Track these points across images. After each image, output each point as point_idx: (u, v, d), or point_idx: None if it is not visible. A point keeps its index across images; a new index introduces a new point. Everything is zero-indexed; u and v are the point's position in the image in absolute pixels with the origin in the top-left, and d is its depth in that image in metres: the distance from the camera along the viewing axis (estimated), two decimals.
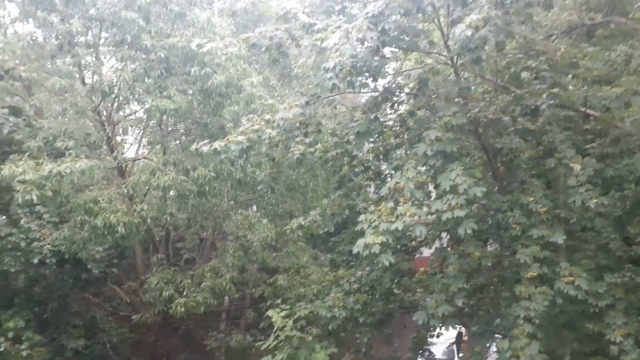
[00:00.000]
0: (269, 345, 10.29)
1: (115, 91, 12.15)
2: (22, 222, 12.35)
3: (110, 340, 16.61)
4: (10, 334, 12.51)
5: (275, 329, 10.14)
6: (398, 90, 10.57)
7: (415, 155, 8.49)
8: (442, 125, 8.43)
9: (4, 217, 12.40)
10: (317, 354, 9.86)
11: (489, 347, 13.92)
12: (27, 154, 11.90)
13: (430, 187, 9.90)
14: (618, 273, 9.00)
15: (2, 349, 12.31)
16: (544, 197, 9.07)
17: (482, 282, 10.17)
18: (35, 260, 12.54)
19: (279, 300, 11.15)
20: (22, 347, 12.51)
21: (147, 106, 12.30)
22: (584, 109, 10.37)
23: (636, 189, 10.01)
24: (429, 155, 8.28)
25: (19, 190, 10.85)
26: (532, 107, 9.76)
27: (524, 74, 10.45)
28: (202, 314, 14.13)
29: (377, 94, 10.32)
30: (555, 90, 9.86)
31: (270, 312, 10.32)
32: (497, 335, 10.54)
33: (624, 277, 9.00)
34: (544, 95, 9.87)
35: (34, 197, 10.85)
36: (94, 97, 12.70)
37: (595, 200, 8.26)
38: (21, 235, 12.34)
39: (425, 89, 10.12)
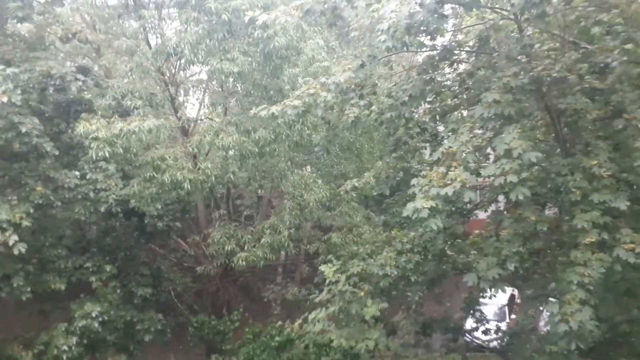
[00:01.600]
0: (323, 298, 10.71)
1: (179, 52, 12.53)
2: (88, 175, 13.25)
3: (175, 289, 17.82)
4: (103, 277, 13.88)
5: (327, 282, 10.50)
6: (457, 49, 10.25)
7: (472, 118, 8.32)
8: (501, 86, 8.17)
9: (76, 172, 13.36)
10: (368, 308, 10.13)
11: (542, 311, 13.83)
12: (98, 113, 12.67)
13: (489, 150, 9.73)
14: None
15: (95, 287, 13.69)
16: (608, 160, 8.69)
17: (538, 246, 10.01)
18: (102, 209, 13.43)
19: (332, 257, 11.48)
20: (108, 290, 13.81)
21: (210, 68, 12.60)
22: None
23: None
24: (485, 118, 8.10)
25: (92, 147, 11.67)
26: (602, 64, 9.21)
27: (595, 29, 9.82)
28: (260, 267, 14.83)
29: (435, 53, 10.06)
30: (628, 46, 9.22)
31: (323, 267, 10.65)
32: (551, 300, 10.43)
33: None
34: (616, 52, 9.25)
35: (107, 154, 11.67)
36: (158, 58, 13.17)
37: None
38: (90, 187, 13.26)
39: (486, 47, 9.77)
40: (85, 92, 13.85)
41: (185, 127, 14.49)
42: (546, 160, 8.89)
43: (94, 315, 13.07)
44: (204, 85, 16.10)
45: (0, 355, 13.18)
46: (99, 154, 11.69)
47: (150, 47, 13.44)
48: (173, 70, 14.35)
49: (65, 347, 12.69)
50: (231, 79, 13.05)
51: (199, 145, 12.94)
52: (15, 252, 11.28)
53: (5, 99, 10.85)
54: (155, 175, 12.70)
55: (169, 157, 12.76)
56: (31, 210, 11.90)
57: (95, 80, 14.58)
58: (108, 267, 14.05)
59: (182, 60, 13.06)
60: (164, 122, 12.63)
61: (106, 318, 13.42)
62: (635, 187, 9.12)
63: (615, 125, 8.91)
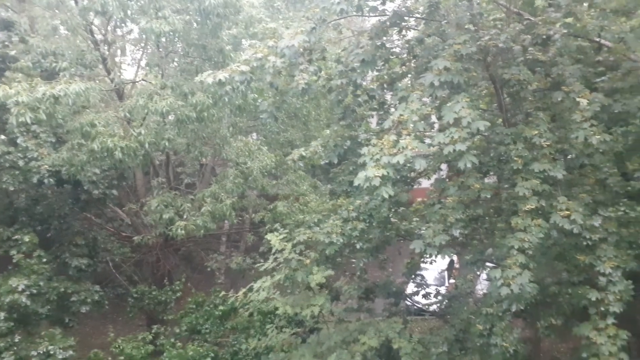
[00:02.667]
0: (268, 266, 10.62)
1: (108, 10, 11.61)
2: (19, 141, 12.26)
3: (113, 260, 17.15)
4: (24, 248, 12.93)
5: (273, 251, 10.40)
6: (407, 15, 10.13)
7: (422, 85, 8.29)
8: (452, 54, 8.16)
9: (2, 137, 12.29)
10: (314, 276, 10.17)
11: (479, 275, 14.47)
12: (19, 72, 11.59)
13: (434, 119, 9.81)
14: (613, 207, 9.15)
15: (15, 260, 12.81)
16: (548, 130, 9.01)
17: (478, 213, 10.35)
18: (34, 180, 12.63)
19: (278, 225, 11.37)
20: (32, 261, 12.93)
21: (141, 27, 11.80)
22: (597, 40, 10.03)
23: None
24: (435, 86, 8.09)
25: (13, 113, 10.70)
26: (544, 36, 9.42)
27: (539, 1, 9.98)
28: (202, 236, 14.48)
29: (385, 18, 9.89)
30: (569, 19, 9.48)
31: (269, 235, 10.52)
32: (488, 264, 10.88)
33: (618, 211, 9.16)
34: (558, 25, 9.50)
35: (28, 120, 10.72)
36: (86, 16, 12.16)
37: (598, 137, 8.22)
38: (19, 154, 12.33)
39: (435, 14, 9.71)
40: (10, 49, 12.61)
41: (120, 90, 13.62)
42: (489, 129, 9.08)
43: (20, 289, 12.28)
44: (142, 44, 15.16)
45: None
46: (20, 120, 10.73)
47: (77, 3, 12.36)
48: (105, 29, 13.35)
49: None
50: (164, 39, 12.30)
51: (133, 109, 12.21)
52: None
53: None
54: (84, 142, 11.92)
55: (99, 123, 11.99)
56: None
57: (21, 36, 13.31)
58: (27, 237, 13.11)
59: (114, 18, 12.14)
60: (94, 85, 11.78)
61: (35, 291, 12.66)
62: (570, 156, 9.53)
63: (554, 97, 9.20)
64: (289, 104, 13.33)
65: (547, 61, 9.54)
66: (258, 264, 11.59)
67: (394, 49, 10.44)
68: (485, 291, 13.33)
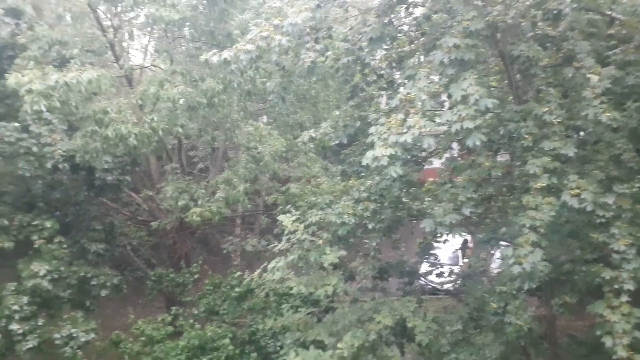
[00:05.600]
0: (282, 247, 10.72)
1: None
2: (31, 128, 12.46)
3: (130, 244, 17.48)
4: (45, 233, 13.23)
5: (286, 232, 10.49)
6: None
7: (430, 63, 8.19)
8: (461, 30, 8.02)
9: (17, 124, 12.48)
10: (327, 256, 10.22)
11: (493, 254, 14.45)
12: (28, 61, 11.69)
13: (444, 97, 9.70)
14: (627, 184, 9.01)
15: (37, 246, 13.12)
16: (559, 107, 8.86)
17: (490, 191, 10.29)
18: (49, 165, 12.82)
19: (290, 207, 11.44)
20: (53, 247, 13.25)
21: (148, 13, 11.80)
22: (609, 13, 9.76)
23: None
24: (445, 64, 7.97)
25: (27, 101, 10.84)
26: (555, 11, 9.18)
27: None
28: (218, 220, 14.65)
29: None
30: None
31: (281, 217, 10.59)
32: (502, 243, 10.85)
33: (633, 188, 9.01)
34: None
35: (42, 107, 10.84)
36: (93, 3, 12.19)
37: (608, 115, 8.06)
38: (32, 140, 12.49)
39: None
40: (19, 36, 12.72)
41: (129, 76, 13.69)
42: (499, 107, 8.96)
43: (41, 274, 12.62)
44: (149, 29, 15.18)
45: None
46: (34, 108, 10.86)
47: None
48: (110, 16, 13.36)
49: (16, 307, 12.26)
50: (175, 26, 12.29)
51: (144, 96, 12.28)
52: None
53: None
54: (98, 129, 12.05)
55: (112, 110, 12.08)
56: None
57: (29, 24, 13.40)
58: (48, 223, 13.38)
59: (119, 6, 12.13)
60: (105, 73, 11.85)
61: (56, 276, 12.99)
62: (581, 133, 9.38)
63: (565, 73, 9.02)
64: (297, 85, 13.28)
65: (557, 36, 9.35)
66: (272, 245, 11.71)
67: (401, 27, 10.30)
68: (499, 270, 13.32)
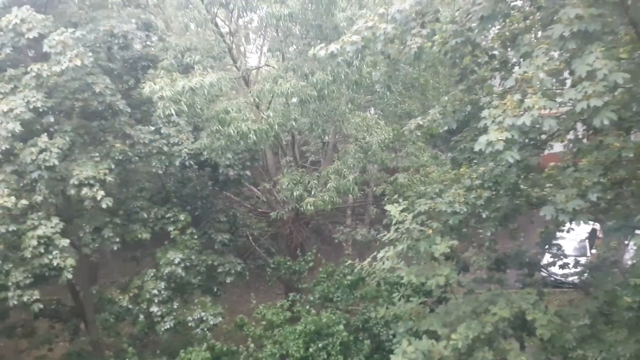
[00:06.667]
0: (390, 237, 10.74)
1: (231, 1, 12.45)
2: (162, 130, 13.87)
3: (252, 234, 18.69)
4: (179, 225, 14.72)
5: (394, 222, 10.48)
6: None
7: (548, 38, 7.64)
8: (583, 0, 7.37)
9: (151, 127, 14.00)
10: (437, 246, 10.03)
11: (627, 244, 13.09)
12: (163, 71, 13.00)
13: (565, 74, 8.99)
14: None
15: (172, 236, 14.62)
16: None
17: (621, 174, 9.34)
18: (177, 163, 14.19)
19: (398, 197, 11.41)
20: (186, 237, 14.65)
21: (261, 13, 12.47)
22: None
23: None
24: (566, 37, 7.37)
25: (159, 107, 12.10)
26: None
27: None
28: (330, 210, 15.09)
29: None
30: None
31: (389, 207, 10.58)
32: (637, 232, 9.81)
33: None
34: None
35: (173, 112, 12.06)
36: (211, 9, 13.17)
37: None
38: (163, 141, 13.96)
39: None
40: (151, 48, 14.18)
41: (246, 77, 14.61)
42: (631, 80, 8.08)
43: (176, 261, 13.98)
44: (262, 31, 16.04)
45: (103, 298, 14.59)
46: (166, 113, 12.11)
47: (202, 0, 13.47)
48: (229, 20, 14.35)
49: (155, 291, 13.77)
50: (285, 23, 12.84)
51: (260, 94, 13.03)
52: (103, 205, 12.17)
53: (78, 63, 11.33)
54: (221, 128, 13.03)
55: (232, 110, 13.01)
56: (112, 166, 12.71)
57: (159, 35, 14.90)
58: (182, 216, 14.78)
59: (235, 9, 12.97)
60: (224, 75, 12.78)
61: (188, 264, 14.32)
62: None
63: None
64: (405, 74, 13.17)
65: None
66: (381, 235, 11.79)
67: (514, 3, 9.71)
68: (633, 261, 12.05)
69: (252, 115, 13.29)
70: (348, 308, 13.92)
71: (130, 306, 13.99)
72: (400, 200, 10.75)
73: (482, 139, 7.34)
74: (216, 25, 13.91)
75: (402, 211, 10.05)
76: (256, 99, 13.34)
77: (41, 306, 12.13)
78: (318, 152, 18.73)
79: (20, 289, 11.65)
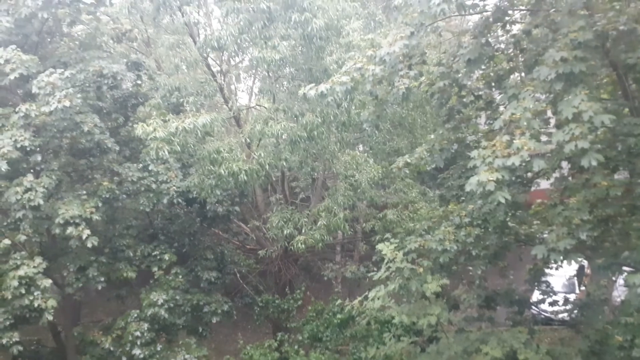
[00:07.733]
0: (381, 276, 10.67)
1: (223, 45, 12.68)
2: (150, 167, 13.84)
3: (240, 271, 18.40)
4: (163, 265, 14.47)
5: (386, 261, 10.44)
6: (511, 8, 9.69)
7: (534, 80, 7.84)
8: (568, 43, 7.61)
9: (140, 164, 13.93)
10: (428, 284, 9.98)
11: (615, 281, 13.13)
12: (152, 109, 13.07)
13: (549, 114, 9.20)
14: None
15: (157, 277, 14.34)
16: None
17: (608, 212, 9.45)
18: (165, 201, 14.09)
19: (388, 234, 11.40)
20: (170, 277, 14.43)
21: (252, 57, 12.70)
22: None
23: None
24: (552, 79, 7.56)
25: (152, 148, 12.10)
26: None
27: None
28: (320, 248, 14.99)
29: (487, 14, 9.56)
30: None
31: (380, 245, 10.57)
32: (625, 269, 9.87)
33: None
34: None
35: (166, 153, 12.09)
36: (203, 52, 13.39)
37: None
38: (151, 179, 13.89)
39: (542, 3, 9.16)
40: (141, 87, 14.28)
41: (237, 117, 14.73)
42: (614, 121, 8.29)
43: (159, 303, 13.67)
44: (253, 71, 16.27)
45: (85, 340, 14.14)
46: (160, 154, 12.13)
47: (195, 42, 13.68)
48: (221, 61, 14.57)
49: (138, 333, 13.39)
50: (275, 66, 13.10)
51: (251, 134, 13.15)
52: (89, 245, 11.95)
53: (67, 103, 11.35)
54: (212, 168, 13.06)
55: (224, 150, 13.09)
56: (99, 204, 12.55)
57: (149, 74, 15.03)
58: (167, 256, 14.52)
59: (228, 51, 13.21)
60: (216, 116, 12.91)
61: (172, 304, 13.99)
62: None
63: None
64: (393, 113, 13.38)
65: None
66: (372, 273, 11.72)
67: (498, 46, 10.02)
68: (623, 298, 12.07)
69: (244, 155, 13.38)
70: (338, 348, 13.67)
71: (112, 348, 13.55)
72: (390, 237, 10.74)
73: (473, 180, 7.41)
74: (208, 66, 14.11)
75: (393, 250, 10.03)
76: (247, 139, 13.47)
77: (21, 348, 11.76)
78: (307, 188, 18.74)
79: (0, 331, 11.28)
